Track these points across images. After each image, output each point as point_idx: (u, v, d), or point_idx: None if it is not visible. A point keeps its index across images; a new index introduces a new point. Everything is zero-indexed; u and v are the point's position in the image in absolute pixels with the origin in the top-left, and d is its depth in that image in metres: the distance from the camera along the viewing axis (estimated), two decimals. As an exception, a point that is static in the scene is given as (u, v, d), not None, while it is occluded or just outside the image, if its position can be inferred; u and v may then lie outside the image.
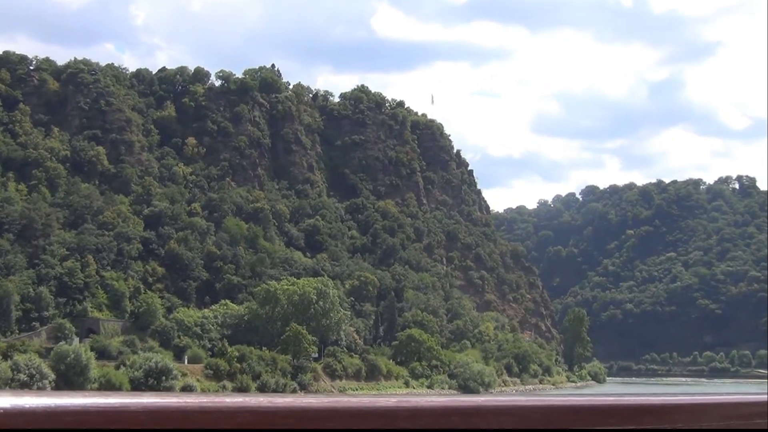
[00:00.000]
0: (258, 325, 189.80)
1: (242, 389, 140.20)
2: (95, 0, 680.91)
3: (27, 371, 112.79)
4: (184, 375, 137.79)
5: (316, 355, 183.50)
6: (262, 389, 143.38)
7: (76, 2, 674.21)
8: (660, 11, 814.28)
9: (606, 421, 4.51)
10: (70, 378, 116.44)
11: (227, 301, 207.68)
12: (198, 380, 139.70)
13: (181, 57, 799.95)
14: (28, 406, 3.03)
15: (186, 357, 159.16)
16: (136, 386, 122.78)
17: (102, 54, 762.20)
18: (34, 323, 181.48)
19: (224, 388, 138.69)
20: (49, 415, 3.04)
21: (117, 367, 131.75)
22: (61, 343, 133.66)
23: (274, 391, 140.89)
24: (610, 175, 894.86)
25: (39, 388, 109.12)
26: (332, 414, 3.63)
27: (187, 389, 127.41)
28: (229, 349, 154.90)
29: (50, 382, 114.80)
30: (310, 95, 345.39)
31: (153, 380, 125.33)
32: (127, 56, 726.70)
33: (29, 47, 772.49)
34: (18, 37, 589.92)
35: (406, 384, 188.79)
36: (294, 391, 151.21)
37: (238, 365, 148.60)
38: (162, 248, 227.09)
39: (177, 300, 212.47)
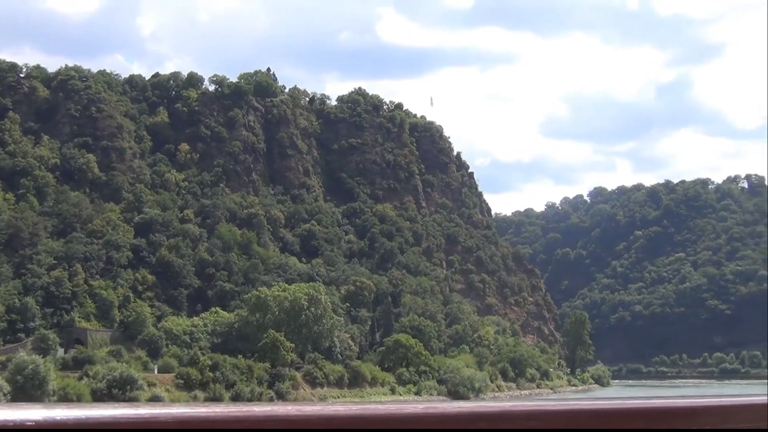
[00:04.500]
0: (248, 332, 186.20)
1: (215, 399, 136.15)
2: (102, 12, 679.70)
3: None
4: (152, 385, 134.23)
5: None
6: (236, 399, 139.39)
7: (83, 15, 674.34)
8: (666, 13, 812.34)
9: (633, 423, 4.56)
10: (27, 390, 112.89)
11: (217, 309, 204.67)
12: (168, 390, 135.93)
13: (189, 66, 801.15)
14: (59, 418, 3.07)
15: (156, 366, 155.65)
16: (99, 398, 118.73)
17: (112, 65, 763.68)
18: (19, 334, 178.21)
19: (195, 398, 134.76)
20: (79, 426, 3.07)
21: (80, 378, 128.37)
22: (20, 353, 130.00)
23: (249, 400, 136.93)
24: (622, 177, 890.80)
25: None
26: (359, 421, 3.64)
27: (154, 400, 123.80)
28: (202, 358, 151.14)
29: (5, 395, 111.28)
30: (307, 99, 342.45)
31: (117, 390, 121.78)
32: (136, 66, 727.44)
33: (35, 59, 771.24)
34: (24, 49, 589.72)
35: (392, 391, 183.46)
36: (270, 400, 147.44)
37: (211, 374, 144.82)
38: (153, 256, 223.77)
39: (167, 308, 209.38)
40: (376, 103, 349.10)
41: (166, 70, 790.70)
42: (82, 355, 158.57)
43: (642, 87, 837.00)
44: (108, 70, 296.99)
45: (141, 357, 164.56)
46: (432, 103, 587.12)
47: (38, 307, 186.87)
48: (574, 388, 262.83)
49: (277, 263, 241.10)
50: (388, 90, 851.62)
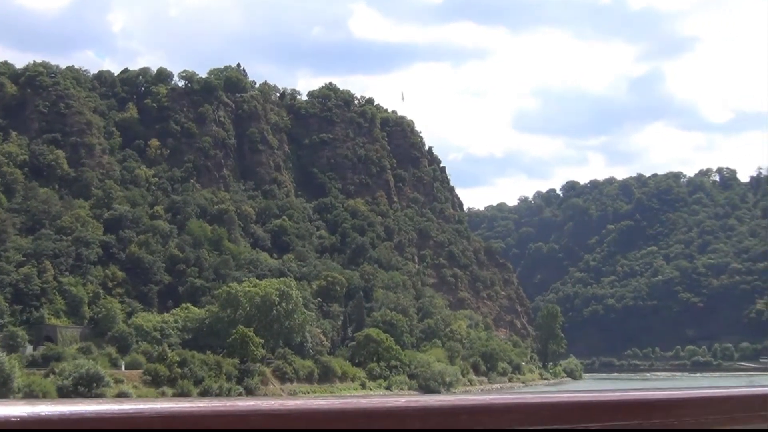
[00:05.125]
0: (219, 328, 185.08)
1: (183, 395, 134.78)
2: (72, 8, 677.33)
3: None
4: (119, 382, 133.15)
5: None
6: (205, 395, 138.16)
7: (53, 11, 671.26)
8: (637, 8, 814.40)
9: (614, 416, 4.58)
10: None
11: (188, 305, 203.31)
12: (135, 387, 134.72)
13: (160, 62, 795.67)
14: (44, 414, 3.06)
15: (123, 363, 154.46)
16: (65, 395, 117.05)
17: (83, 61, 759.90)
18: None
19: (163, 394, 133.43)
20: (64, 422, 3.07)
21: (46, 375, 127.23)
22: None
23: (217, 396, 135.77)
24: (595, 171, 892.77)
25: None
26: (342, 415, 3.68)
27: (121, 397, 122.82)
28: (170, 354, 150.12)
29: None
30: (277, 94, 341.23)
31: (83, 388, 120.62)
32: (107, 62, 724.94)
33: (3, 56, 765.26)
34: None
35: (363, 386, 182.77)
36: (240, 396, 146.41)
37: (179, 370, 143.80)
38: (122, 252, 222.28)
39: (138, 305, 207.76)
40: (347, 98, 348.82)
41: (137, 66, 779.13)
42: (51, 352, 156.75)
43: (614, 81, 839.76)
44: (77, 66, 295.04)
45: (111, 354, 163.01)
46: (403, 98, 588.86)
47: (7, 304, 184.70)
48: (546, 381, 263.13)
49: (248, 259, 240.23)
50: (359, 85, 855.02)
